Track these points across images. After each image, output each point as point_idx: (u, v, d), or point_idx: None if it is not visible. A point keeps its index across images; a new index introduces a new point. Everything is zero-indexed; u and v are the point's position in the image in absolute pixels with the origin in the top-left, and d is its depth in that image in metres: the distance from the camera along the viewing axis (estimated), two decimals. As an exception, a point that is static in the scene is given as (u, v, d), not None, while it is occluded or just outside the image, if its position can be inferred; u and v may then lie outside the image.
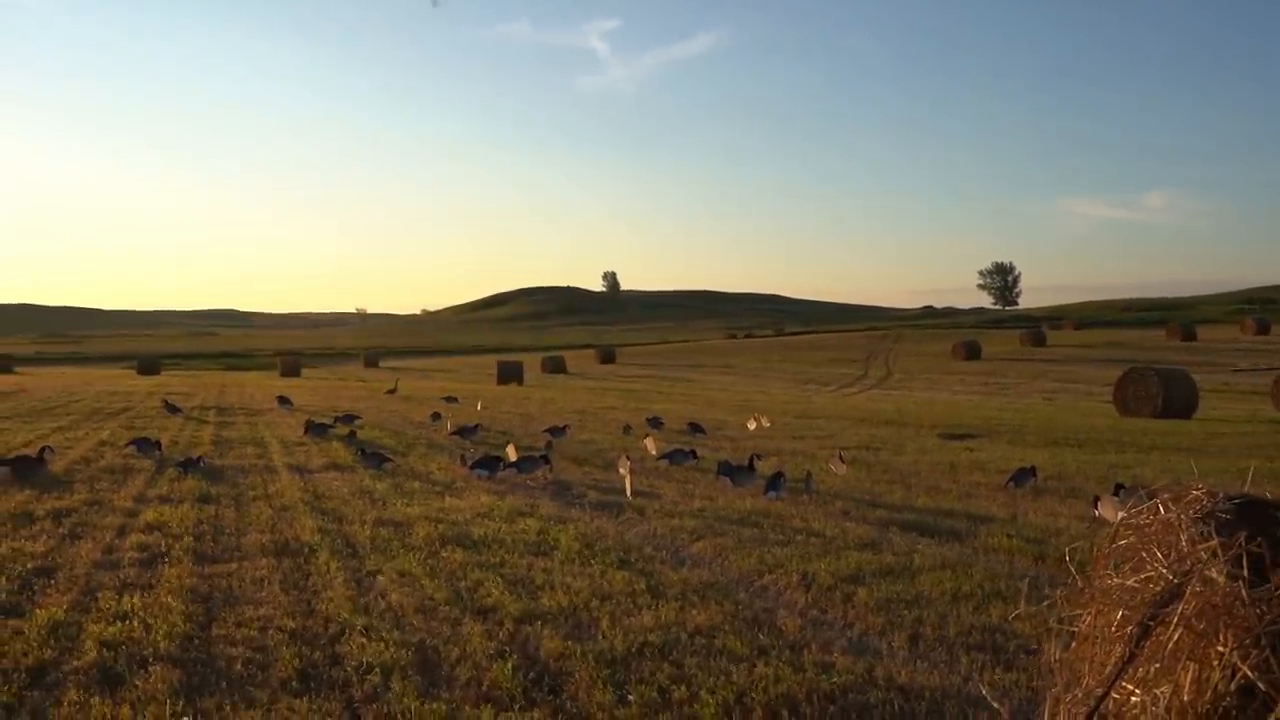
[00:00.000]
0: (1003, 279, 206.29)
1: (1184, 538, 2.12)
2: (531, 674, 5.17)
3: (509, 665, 5.23)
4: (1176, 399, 28.95)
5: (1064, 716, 2.12)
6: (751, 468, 11.89)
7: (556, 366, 66.99)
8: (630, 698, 4.83)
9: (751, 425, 19.76)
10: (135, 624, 5.94)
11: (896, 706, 4.74)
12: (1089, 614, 2.32)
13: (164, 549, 8.13)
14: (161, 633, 5.77)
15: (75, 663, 5.31)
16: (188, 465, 12.67)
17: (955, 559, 7.93)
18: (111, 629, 5.83)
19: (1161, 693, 1.79)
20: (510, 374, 53.66)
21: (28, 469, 12.04)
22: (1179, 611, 1.84)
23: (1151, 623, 1.90)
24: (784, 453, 15.78)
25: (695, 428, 18.74)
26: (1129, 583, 2.13)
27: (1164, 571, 2.02)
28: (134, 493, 11.04)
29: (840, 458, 13.11)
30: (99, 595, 6.64)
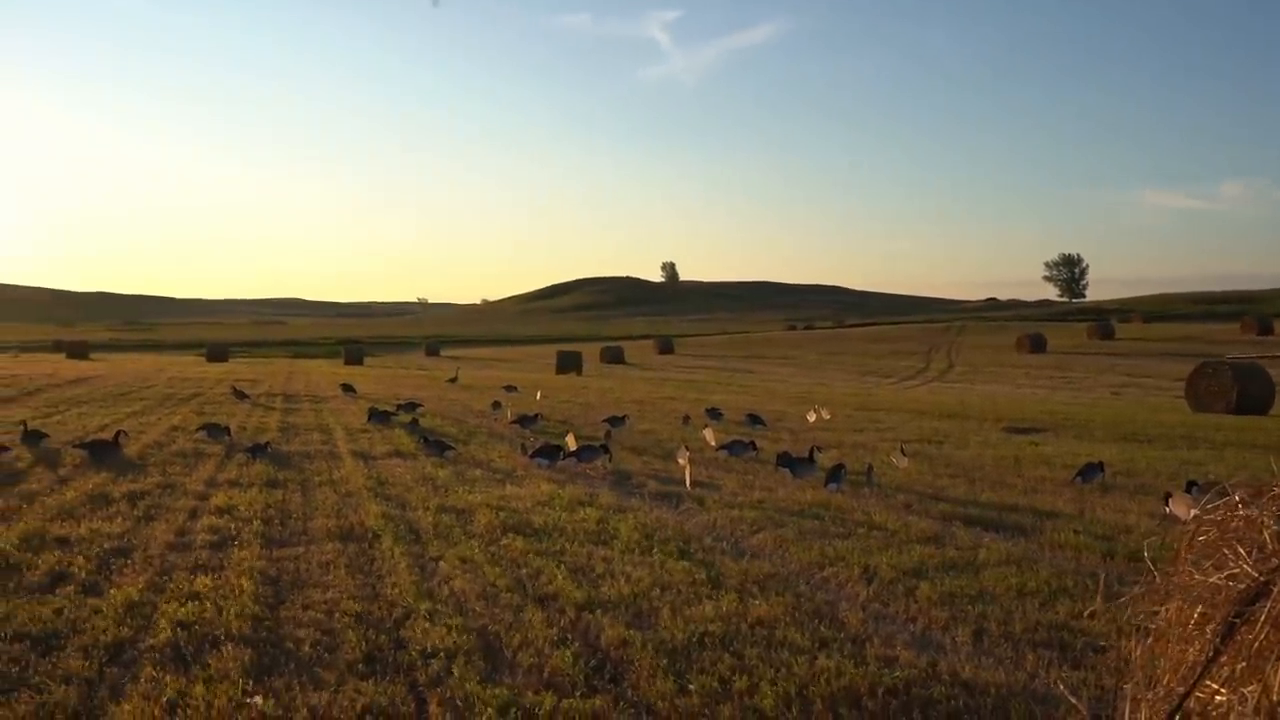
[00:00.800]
0: (1069, 271, 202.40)
1: (1268, 534, 2.06)
2: (592, 662, 5.19)
3: (570, 652, 5.27)
4: (1252, 394, 28.17)
5: (1145, 714, 2.08)
6: (812, 460, 11.82)
7: (615, 357, 67.12)
8: (691, 687, 4.83)
9: (811, 417, 19.62)
10: (207, 604, 6.09)
11: (961, 702, 4.69)
12: (1168, 610, 2.26)
13: (234, 532, 8.31)
14: (232, 613, 5.90)
15: (151, 641, 5.45)
16: (256, 450, 12.92)
17: (1020, 555, 7.81)
18: (185, 609, 5.98)
19: (1250, 692, 1.74)
20: (569, 364, 53.89)
21: (104, 453, 12.38)
22: (1266, 610, 1.80)
23: (1237, 620, 1.85)
24: (844, 445, 15.65)
25: (754, 419, 18.66)
26: (1211, 580, 2.08)
27: (1248, 569, 1.97)
28: (204, 476, 11.29)
29: (902, 451, 12.97)
30: (172, 576, 6.82)
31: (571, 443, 13.24)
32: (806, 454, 12.09)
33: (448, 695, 4.71)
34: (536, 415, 18.22)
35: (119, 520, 8.65)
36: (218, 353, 64.38)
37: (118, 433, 13.51)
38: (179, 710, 4.46)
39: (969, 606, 6.33)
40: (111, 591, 6.37)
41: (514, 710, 4.52)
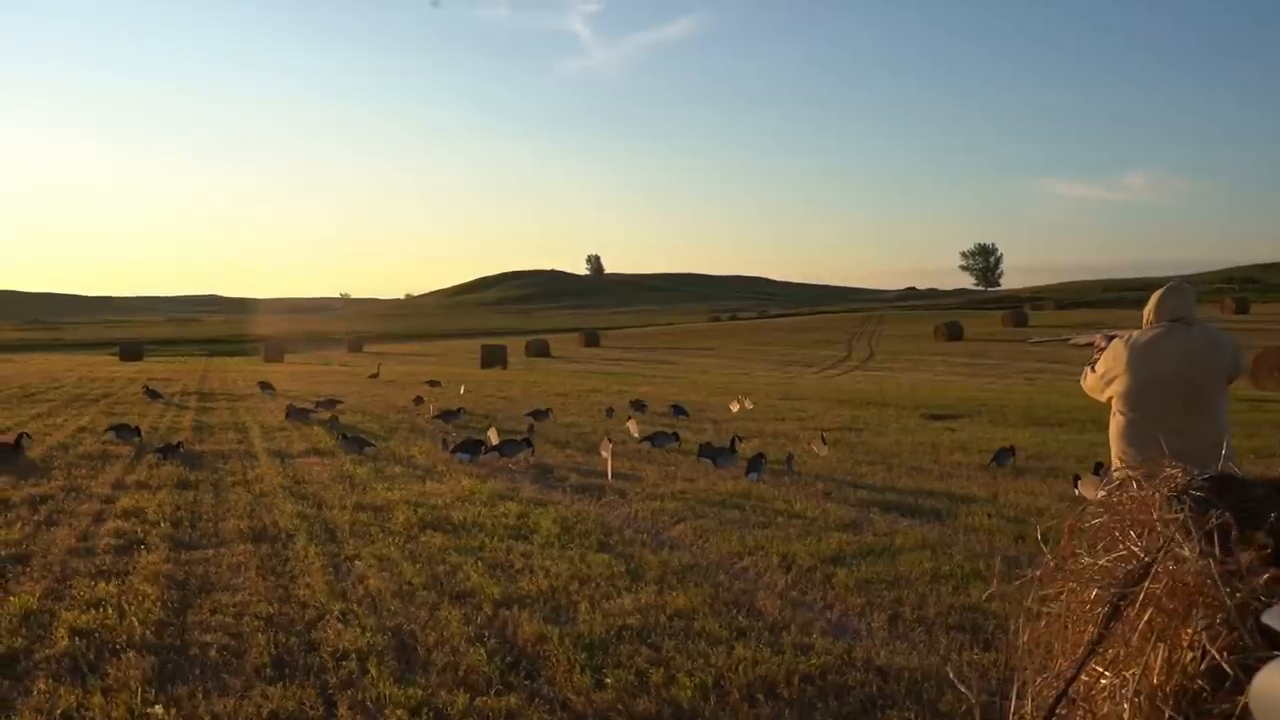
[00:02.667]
0: (985, 260, 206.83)
1: (1156, 515, 2.09)
2: (509, 658, 5.13)
3: (486, 649, 5.20)
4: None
5: (1033, 698, 2.10)
6: (733, 449, 11.88)
7: (540, 350, 66.81)
8: (608, 681, 4.80)
9: (734, 407, 19.74)
10: (109, 611, 5.88)
11: (875, 687, 4.73)
12: (1062, 594, 2.29)
13: (141, 535, 8.06)
14: (136, 620, 5.71)
15: (47, 651, 5.24)
16: (167, 451, 12.56)
17: (936, 539, 7.93)
18: (85, 617, 5.76)
19: (1131, 675, 1.76)
20: (494, 358, 53.50)
21: (4, 456, 11.90)
22: (1148, 590, 1.82)
23: (1121, 603, 1.87)
24: (766, 434, 15.77)
25: (678, 410, 18.71)
26: (1102, 562, 2.10)
27: (1135, 550, 1.99)
28: (112, 479, 10.94)
29: (822, 439, 13.11)
30: (73, 583, 6.57)
31: (494, 437, 13.13)
32: (728, 444, 12.15)
33: (359, 697, 4.61)
34: (459, 410, 18.04)
35: (18, 526, 8.32)
36: (131, 352, 62.52)
37: (20, 435, 13.01)
38: (74, 723, 4.29)
39: (885, 592, 6.40)
40: (8, 600, 6.12)
41: (426, 710, 4.44)
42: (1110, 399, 5.33)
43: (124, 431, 14.41)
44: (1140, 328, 5.44)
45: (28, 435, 13.34)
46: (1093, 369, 5.50)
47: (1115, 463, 5.28)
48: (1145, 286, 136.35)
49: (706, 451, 11.90)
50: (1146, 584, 1.81)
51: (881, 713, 4.47)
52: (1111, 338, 5.51)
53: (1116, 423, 5.29)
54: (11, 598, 6.17)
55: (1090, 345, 5.84)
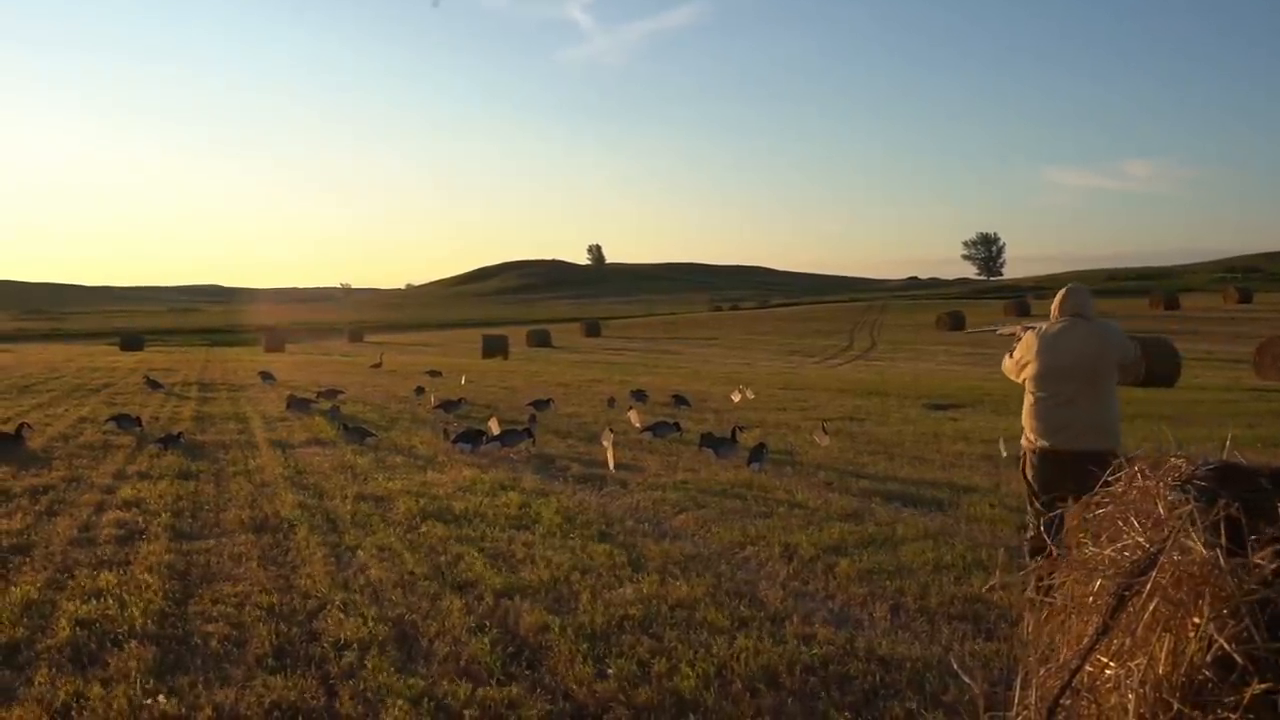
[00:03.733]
0: (987, 249, 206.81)
1: (1161, 505, 2.07)
2: (510, 648, 5.13)
3: (488, 639, 5.20)
4: (1158, 367, 28.99)
5: (1037, 689, 2.08)
6: (734, 439, 11.87)
7: (541, 340, 66.77)
8: (610, 671, 4.80)
9: (736, 397, 19.71)
10: (110, 601, 5.88)
11: (877, 677, 4.73)
12: (1066, 584, 2.27)
13: (142, 526, 8.06)
14: (137, 610, 5.71)
15: (48, 641, 5.24)
16: (168, 441, 12.56)
17: (938, 529, 7.92)
18: (86, 607, 5.76)
19: (1136, 665, 1.74)
20: (495, 348, 53.45)
21: (5, 446, 11.92)
22: (1154, 580, 1.80)
23: (1126, 593, 1.86)
24: (768, 424, 15.76)
25: (679, 400, 18.70)
26: (1107, 552, 2.08)
27: (1140, 540, 1.98)
28: (113, 469, 10.94)
29: (824, 429, 13.09)
30: (75, 573, 6.57)
31: (495, 427, 13.11)
32: (729, 434, 12.14)
33: (360, 687, 4.61)
34: (460, 400, 18.02)
35: (19, 516, 8.32)
36: (132, 341, 62.52)
37: (21, 425, 13.01)
38: (75, 713, 4.29)
39: (887, 582, 6.39)
40: (9, 590, 6.11)
41: (427, 700, 4.43)
42: (1024, 380, 6.11)
43: (125, 422, 14.41)
44: (1049, 321, 6.21)
45: (28, 425, 13.33)
46: (1011, 355, 6.31)
47: (1025, 439, 6.07)
48: (1148, 276, 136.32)
49: (708, 441, 11.89)
50: (1153, 574, 1.79)
51: (884, 703, 4.46)
52: (1029, 329, 6.28)
53: (1027, 402, 6.07)
54: (13, 588, 6.17)
55: (1013, 335, 6.62)
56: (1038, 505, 5.85)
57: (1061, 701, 1.89)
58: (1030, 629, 2.29)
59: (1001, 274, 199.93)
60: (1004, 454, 11.74)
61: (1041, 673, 2.07)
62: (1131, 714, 1.76)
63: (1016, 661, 4.78)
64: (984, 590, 6.05)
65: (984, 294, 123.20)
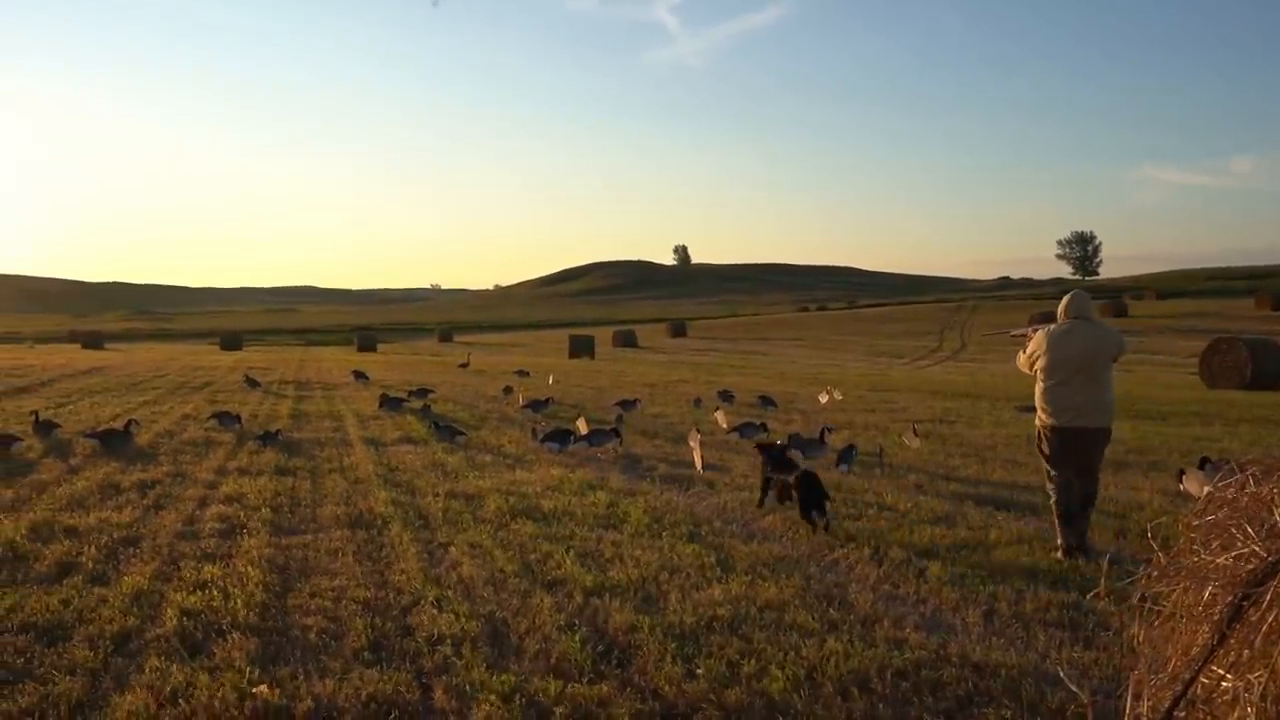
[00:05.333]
0: (1082, 249, 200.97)
1: (1278, 514, 2.00)
2: (600, 646, 5.16)
3: (578, 638, 5.23)
4: (1266, 369, 27.93)
5: (1148, 700, 2.02)
6: (823, 441, 11.75)
7: (627, 340, 67.03)
8: (699, 671, 4.79)
9: (823, 398, 19.54)
10: (215, 593, 6.07)
11: (971, 684, 4.64)
12: (1175, 592, 2.20)
13: (243, 520, 8.30)
14: (240, 602, 5.88)
15: (157, 630, 5.43)
16: (266, 439, 12.93)
17: (1032, 534, 7.74)
18: (192, 598, 5.96)
19: (1256, 679, 1.68)
20: (581, 348, 53.85)
21: (115, 442, 12.40)
22: (1273, 591, 1.74)
23: (1244, 603, 1.79)
24: (856, 426, 15.58)
25: (766, 401, 18.60)
26: (1219, 560, 2.01)
27: (1256, 549, 1.91)
28: (215, 465, 11.30)
29: (914, 431, 12.89)
30: (180, 565, 6.81)
31: (583, 427, 13.21)
32: (817, 435, 12.03)
33: (453, 682, 4.68)
34: (548, 399, 18.20)
35: (128, 510, 8.65)
36: (231, 341, 64.56)
37: (129, 422, 13.54)
38: (182, 700, 4.44)
39: (980, 587, 6.27)
40: (120, 580, 6.36)
41: (519, 697, 4.48)
42: (1036, 371, 7.47)
43: (226, 419, 14.88)
44: (1056, 322, 7.51)
45: (136, 422, 13.87)
46: (1024, 351, 7.68)
47: (1039, 419, 7.50)
48: (1254, 275, 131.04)
49: (796, 442, 11.79)
50: (1273, 584, 1.73)
51: (979, 710, 4.38)
52: (1038, 329, 7.65)
53: (1039, 388, 7.45)
54: (124, 578, 6.41)
55: (1024, 335, 7.95)
56: (1055, 474, 7.34)
57: (1175, 713, 1.83)
58: (1141, 638, 2.22)
59: (1098, 273, 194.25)
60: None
61: (1152, 682, 2.01)
62: (1248, 728, 1.70)
63: (1118, 671, 4.66)
64: (1088, 598, 5.89)
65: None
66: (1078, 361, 7.18)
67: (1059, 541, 7.20)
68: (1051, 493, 7.38)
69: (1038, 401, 7.45)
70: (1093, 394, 7.17)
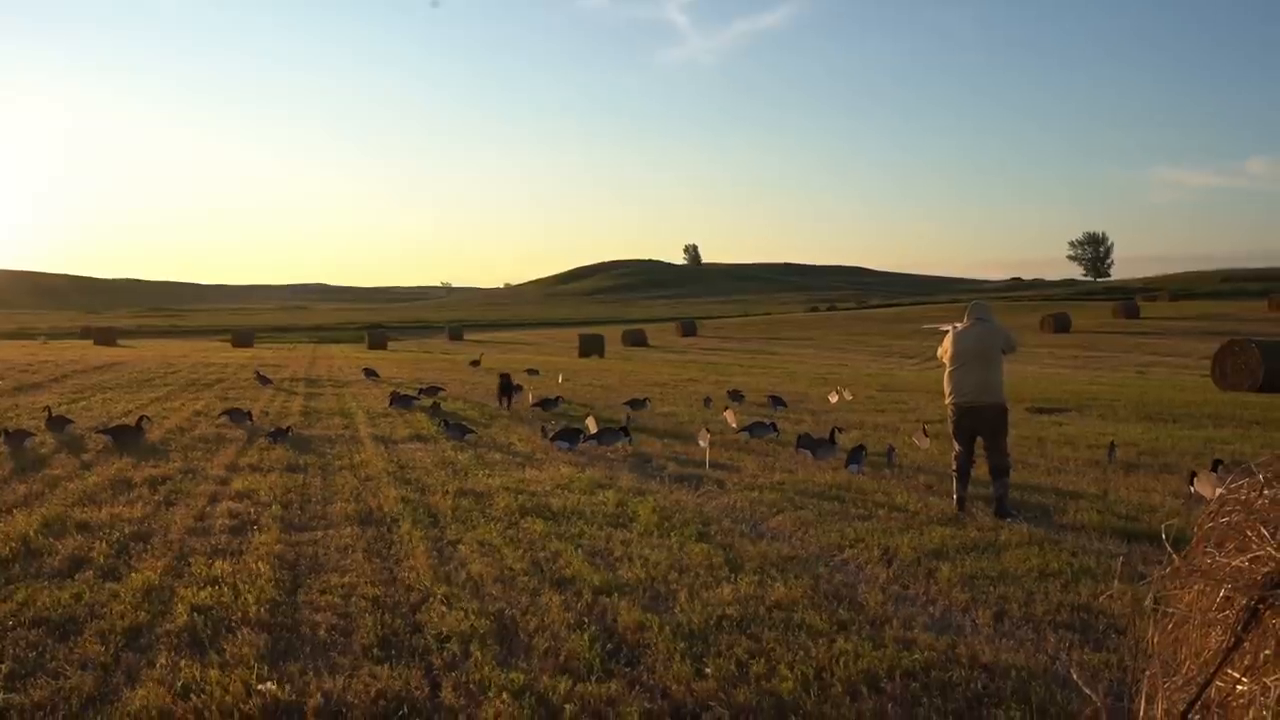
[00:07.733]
0: (1094, 250, 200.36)
1: (1295, 516, 1.98)
2: (609, 645, 5.16)
3: (587, 636, 5.23)
4: (1279, 372, 27.78)
5: (1162, 703, 2.00)
6: (833, 441, 11.74)
7: (637, 339, 67.02)
8: (708, 670, 4.79)
9: (833, 398, 19.51)
10: (225, 589, 6.08)
11: (980, 685, 4.62)
12: (1188, 594, 2.19)
13: (253, 516, 8.33)
14: (250, 598, 5.90)
15: (167, 625, 5.45)
16: (277, 435, 12.97)
17: (1043, 535, 7.72)
18: (202, 594, 5.98)
19: (1272, 682, 1.66)
20: (591, 347, 53.89)
21: (127, 438, 12.45)
22: (1290, 595, 1.72)
23: (1260, 606, 1.78)
24: (866, 426, 15.55)
25: (776, 400, 18.58)
26: (1234, 563, 2.00)
27: (1272, 551, 1.89)
28: (226, 461, 11.33)
29: (924, 431, 12.85)
30: (191, 560, 6.82)
31: (592, 425, 13.21)
32: (827, 435, 12.01)
33: (462, 679, 4.69)
34: (558, 398, 18.22)
35: (139, 505, 8.68)
36: (243, 338, 64.75)
37: (141, 418, 13.59)
38: (193, 695, 4.45)
39: (990, 588, 6.26)
40: (131, 575, 6.38)
41: (528, 694, 4.48)
42: (946, 360, 9.19)
43: (237, 415, 14.92)
44: (963, 322, 9.21)
45: (148, 418, 13.92)
46: (941, 344, 9.40)
47: (946, 398, 9.20)
48: (1267, 277, 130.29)
49: (805, 442, 11.79)
50: (1291, 587, 1.71)
51: (988, 711, 4.36)
52: (950, 328, 9.41)
53: (946, 373, 9.21)
54: (135, 573, 6.43)
55: (941, 330, 10.15)
56: (956, 443, 9.07)
57: (1190, 717, 1.82)
58: (1154, 640, 2.21)
59: (1109, 275, 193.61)
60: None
61: (1166, 685, 1.99)
62: (1264, 732, 1.69)
63: (1128, 673, 4.63)
64: (1101, 598, 5.86)
65: (1091, 295, 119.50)
66: (973, 352, 8.93)
67: (954, 497, 9.00)
68: (953, 460, 9.11)
69: (944, 384, 9.27)
70: (983, 377, 8.85)
